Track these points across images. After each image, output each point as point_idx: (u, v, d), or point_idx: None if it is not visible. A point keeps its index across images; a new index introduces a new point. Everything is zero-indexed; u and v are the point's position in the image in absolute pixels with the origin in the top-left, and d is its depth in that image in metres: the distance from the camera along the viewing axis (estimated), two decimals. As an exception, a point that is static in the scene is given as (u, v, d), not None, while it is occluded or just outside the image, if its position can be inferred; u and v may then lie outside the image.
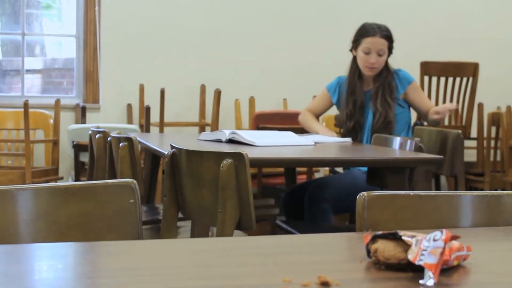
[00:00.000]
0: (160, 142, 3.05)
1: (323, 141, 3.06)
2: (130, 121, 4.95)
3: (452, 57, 5.02)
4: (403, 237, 0.90)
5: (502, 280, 0.91)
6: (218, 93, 4.73)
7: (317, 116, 3.55)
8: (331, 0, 5.29)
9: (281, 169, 3.97)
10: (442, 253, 0.86)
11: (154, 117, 4.65)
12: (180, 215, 2.24)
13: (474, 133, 4.89)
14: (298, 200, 3.25)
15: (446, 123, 4.75)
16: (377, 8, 5.30)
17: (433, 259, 0.85)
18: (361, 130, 3.36)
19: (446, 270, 0.89)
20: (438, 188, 4.85)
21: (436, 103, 4.86)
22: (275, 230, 3.29)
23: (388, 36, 3.32)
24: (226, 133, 2.82)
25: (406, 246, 0.89)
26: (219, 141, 2.85)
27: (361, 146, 3.08)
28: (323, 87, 5.13)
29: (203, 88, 4.99)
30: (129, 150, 2.71)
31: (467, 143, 4.52)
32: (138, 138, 2.84)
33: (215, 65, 5.08)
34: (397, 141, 2.89)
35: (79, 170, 4.26)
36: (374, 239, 0.93)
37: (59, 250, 1.05)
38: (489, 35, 5.47)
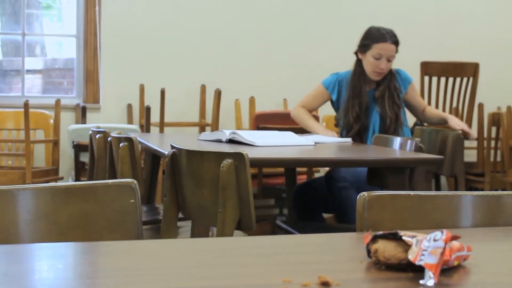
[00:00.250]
0: (160, 142, 3.05)
1: (323, 141, 3.06)
2: (130, 121, 4.95)
3: (453, 57, 5.02)
4: (403, 237, 0.90)
5: (502, 280, 0.91)
6: (218, 93, 4.73)
7: (310, 112, 3.54)
8: (332, 0, 5.29)
9: (281, 169, 3.97)
10: (442, 253, 0.86)
11: (154, 117, 4.65)
12: (180, 215, 2.24)
13: (474, 133, 4.89)
14: (308, 199, 3.23)
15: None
16: (377, 8, 5.30)
17: (434, 259, 0.85)
18: (365, 132, 3.35)
19: (447, 270, 0.89)
20: (438, 188, 4.85)
21: (436, 103, 4.86)
22: (275, 230, 3.30)
23: (397, 42, 3.32)
24: (226, 133, 2.82)
25: (407, 246, 0.89)
26: (219, 141, 2.85)
27: (361, 146, 3.08)
28: (323, 87, 5.14)
29: (203, 88, 4.99)
30: (129, 150, 2.71)
31: (467, 143, 4.52)
32: (138, 138, 2.84)
33: (215, 65, 5.08)
34: (397, 141, 2.89)
35: (79, 170, 4.26)
36: (375, 239, 0.93)
37: (60, 250, 1.05)
38: (490, 35, 5.47)
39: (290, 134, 3.05)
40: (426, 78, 4.87)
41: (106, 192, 1.28)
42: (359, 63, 3.39)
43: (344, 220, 3.11)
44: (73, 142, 4.29)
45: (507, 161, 4.59)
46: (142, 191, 2.66)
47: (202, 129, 4.84)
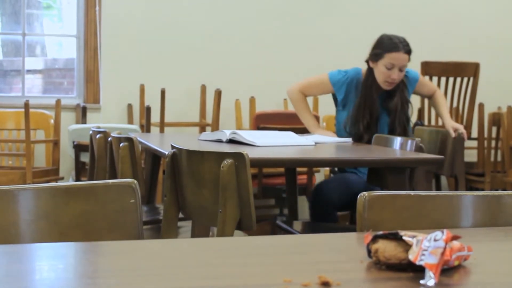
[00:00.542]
0: (161, 142, 3.05)
1: (323, 141, 3.06)
2: (130, 121, 4.95)
3: (453, 57, 5.02)
4: (404, 237, 0.90)
5: (502, 280, 0.91)
6: (218, 93, 4.73)
7: (306, 97, 3.49)
8: (332, 0, 5.29)
9: (282, 169, 3.96)
10: (443, 253, 0.86)
11: (155, 117, 4.65)
12: (180, 215, 2.24)
13: (474, 133, 4.89)
14: (324, 198, 3.19)
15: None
16: (377, 8, 5.30)
17: (434, 259, 0.85)
18: (366, 136, 3.31)
19: (447, 270, 0.89)
20: (438, 188, 4.85)
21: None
22: (276, 230, 3.29)
23: (409, 51, 3.26)
24: (226, 133, 2.82)
25: (407, 246, 0.89)
26: (220, 141, 2.85)
27: (362, 146, 3.08)
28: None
29: (203, 88, 4.99)
30: (129, 150, 2.71)
31: (468, 143, 4.52)
32: (138, 138, 2.84)
33: (216, 65, 5.08)
34: (397, 141, 2.89)
35: (80, 170, 4.26)
36: (375, 239, 0.93)
37: (60, 250, 1.05)
38: (490, 35, 5.47)
39: (291, 134, 3.05)
40: (427, 78, 4.87)
41: (106, 192, 1.28)
42: (370, 71, 3.31)
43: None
44: (73, 142, 4.30)
45: (508, 161, 4.59)
46: (142, 191, 2.66)
47: (203, 129, 4.84)
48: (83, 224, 1.27)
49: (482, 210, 1.32)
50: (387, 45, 3.25)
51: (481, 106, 4.81)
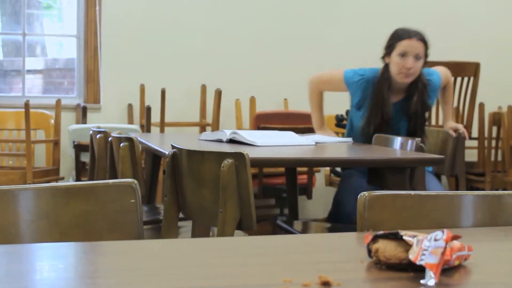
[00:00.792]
0: (161, 142, 3.05)
1: (323, 141, 3.06)
2: (130, 121, 4.95)
3: (453, 57, 5.01)
4: (404, 237, 0.90)
5: (503, 280, 0.91)
6: (218, 93, 4.73)
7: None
8: (332, 0, 5.29)
9: (282, 169, 3.97)
10: (443, 253, 0.86)
11: (155, 117, 4.65)
12: (181, 215, 2.24)
13: (475, 133, 4.89)
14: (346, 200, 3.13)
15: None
16: (377, 8, 5.30)
17: (434, 259, 0.85)
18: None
19: (447, 270, 0.89)
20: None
21: (437, 103, 4.85)
22: (276, 230, 3.29)
23: (424, 41, 3.15)
24: (226, 133, 2.82)
25: (407, 246, 0.89)
26: (220, 141, 2.85)
27: (362, 146, 3.08)
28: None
29: (203, 88, 4.99)
30: (129, 150, 2.71)
31: (468, 143, 4.52)
32: (138, 138, 2.84)
33: (216, 65, 5.08)
34: (397, 141, 2.89)
35: (80, 170, 4.26)
36: (375, 239, 0.93)
37: (60, 250, 1.05)
38: (490, 34, 5.47)
39: (291, 134, 3.05)
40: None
41: (106, 192, 1.28)
42: (386, 68, 3.17)
43: None
44: (73, 142, 4.30)
45: (508, 161, 4.59)
46: (142, 191, 2.66)
47: (203, 129, 4.84)
48: (84, 224, 1.27)
49: (483, 210, 1.32)
50: (398, 35, 3.15)
51: (481, 105, 4.81)
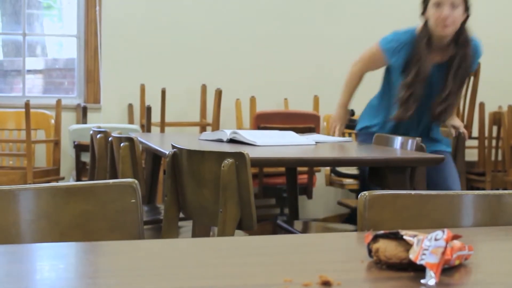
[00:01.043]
0: (161, 142, 3.05)
1: (324, 141, 3.06)
2: (131, 121, 4.95)
3: (453, 56, 5.01)
4: (404, 237, 0.90)
5: (503, 280, 0.91)
6: (219, 93, 4.73)
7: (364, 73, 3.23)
8: (332, 0, 5.29)
9: (282, 169, 3.97)
10: (443, 253, 0.86)
11: (155, 117, 4.65)
12: (181, 215, 2.24)
13: (475, 132, 4.89)
14: None
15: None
16: (377, 8, 5.30)
17: (435, 258, 0.85)
18: (414, 104, 3.00)
19: (448, 269, 0.89)
20: (439, 187, 4.84)
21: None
22: (276, 230, 3.30)
23: None
24: (227, 133, 2.82)
25: (408, 246, 0.89)
26: (220, 141, 2.85)
27: (362, 145, 3.08)
28: (324, 86, 5.15)
29: (204, 88, 4.99)
30: (130, 150, 2.71)
31: (468, 142, 4.52)
32: (139, 138, 2.84)
33: (216, 65, 5.08)
34: (398, 140, 2.89)
35: (80, 170, 4.26)
36: (376, 238, 0.93)
37: (61, 250, 1.05)
38: (490, 35, 5.46)
39: (291, 133, 3.05)
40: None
41: (107, 192, 1.28)
42: (424, 25, 2.98)
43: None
44: (74, 142, 4.30)
45: (508, 160, 4.59)
46: (143, 191, 2.66)
47: (203, 129, 4.84)
48: (84, 224, 1.27)
49: (483, 209, 1.32)
50: None
51: (481, 105, 4.81)
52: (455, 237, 0.89)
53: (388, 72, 3.18)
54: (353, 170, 4.45)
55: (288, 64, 5.17)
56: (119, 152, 2.74)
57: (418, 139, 2.74)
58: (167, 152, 2.23)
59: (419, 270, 0.86)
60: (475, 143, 4.91)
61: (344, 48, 5.21)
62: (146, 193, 3.20)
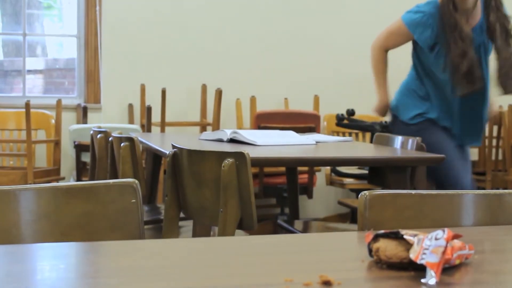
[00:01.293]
0: (162, 142, 3.05)
1: (324, 140, 3.06)
2: (131, 121, 4.95)
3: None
4: (404, 236, 0.90)
5: (503, 279, 0.91)
6: (219, 93, 4.73)
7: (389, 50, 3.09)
8: (332, 1, 5.29)
9: (283, 169, 3.97)
10: (444, 252, 0.86)
11: (155, 117, 4.65)
12: (181, 215, 2.24)
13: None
14: None
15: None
16: (377, 8, 5.30)
17: (435, 258, 0.85)
18: (478, 70, 2.83)
19: (448, 269, 0.89)
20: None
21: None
22: (277, 229, 3.30)
23: None
24: (227, 133, 2.82)
25: (408, 245, 0.89)
26: (221, 140, 2.85)
27: (363, 145, 3.07)
28: (324, 86, 5.15)
29: (204, 88, 4.99)
30: (130, 150, 2.71)
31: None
32: (139, 138, 2.85)
33: (216, 64, 5.08)
34: (398, 140, 2.89)
35: (81, 170, 4.27)
36: (376, 238, 0.93)
37: (61, 250, 1.05)
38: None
39: (291, 133, 3.05)
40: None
41: (107, 192, 1.28)
42: None
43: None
44: (74, 142, 4.30)
45: (509, 160, 4.59)
46: (143, 191, 2.66)
47: (203, 128, 4.84)
48: (84, 224, 1.27)
49: (483, 209, 1.32)
50: None
51: (482, 104, 4.81)
52: (456, 236, 0.89)
53: (416, 51, 3.03)
54: (353, 170, 4.46)
55: (288, 64, 5.17)
56: (119, 152, 2.74)
57: (418, 138, 2.74)
58: (167, 152, 2.23)
59: (420, 270, 0.86)
60: (475, 142, 4.90)
61: (345, 48, 5.21)
62: (146, 193, 3.20)
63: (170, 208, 2.20)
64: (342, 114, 4.31)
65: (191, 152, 2.09)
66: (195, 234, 2.25)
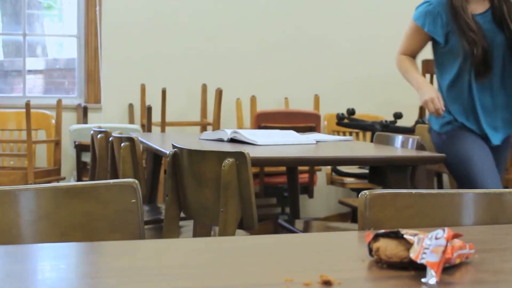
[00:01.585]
0: (162, 142, 3.05)
1: (324, 140, 3.06)
2: (131, 121, 4.95)
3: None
4: (405, 236, 0.90)
5: (504, 278, 0.91)
6: (219, 93, 4.73)
7: (415, 56, 2.97)
8: (332, 1, 5.29)
9: (283, 168, 3.97)
10: (444, 252, 0.86)
11: (156, 117, 4.65)
12: (182, 214, 2.24)
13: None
14: None
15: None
16: (377, 8, 5.29)
17: (435, 257, 0.85)
18: (491, 52, 2.76)
19: (448, 268, 0.89)
20: (440, 186, 4.85)
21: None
22: (277, 229, 3.30)
23: None
24: (227, 133, 2.83)
25: (408, 245, 0.89)
26: (221, 140, 2.85)
27: (363, 144, 3.08)
28: (324, 86, 5.16)
29: (204, 88, 4.99)
30: (130, 150, 2.71)
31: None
32: (139, 138, 2.85)
33: (216, 64, 5.08)
34: (398, 139, 2.89)
35: (81, 170, 4.27)
36: (376, 237, 0.93)
37: (62, 250, 1.05)
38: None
39: (292, 133, 3.05)
40: (428, 76, 4.86)
41: (107, 192, 1.28)
42: None
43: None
44: (74, 142, 4.30)
45: (509, 159, 4.59)
46: (143, 191, 2.67)
47: (204, 128, 4.84)
48: (85, 224, 1.27)
49: (484, 208, 1.32)
50: None
51: (482, 104, 4.80)
52: (456, 235, 0.89)
53: (436, 57, 2.95)
54: (354, 169, 4.46)
55: (289, 63, 5.17)
56: (119, 152, 2.74)
57: (419, 138, 2.74)
58: (167, 152, 2.24)
59: (420, 269, 0.86)
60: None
61: (345, 48, 5.21)
62: (146, 193, 3.20)
63: (170, 208, 2.20)
64: (342, 114, 4.31)
65: (191, 152, 2.09)
66: (196, 234, 2.26)
